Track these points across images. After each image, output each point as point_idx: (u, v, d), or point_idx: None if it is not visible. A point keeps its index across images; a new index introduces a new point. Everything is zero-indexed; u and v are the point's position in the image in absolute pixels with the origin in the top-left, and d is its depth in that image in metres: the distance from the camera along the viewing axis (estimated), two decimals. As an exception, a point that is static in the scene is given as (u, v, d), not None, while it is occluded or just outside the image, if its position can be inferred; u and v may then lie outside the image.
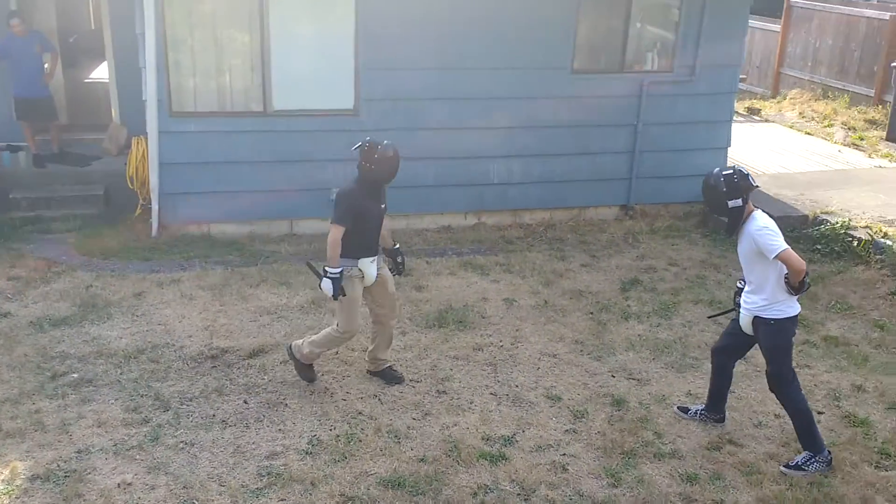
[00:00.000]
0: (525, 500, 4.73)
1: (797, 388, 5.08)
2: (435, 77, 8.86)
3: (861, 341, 6.79)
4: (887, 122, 12.68)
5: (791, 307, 4.92)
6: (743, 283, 5.16)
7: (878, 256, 8.01)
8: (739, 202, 4.84)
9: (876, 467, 5.14)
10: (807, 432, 5.07)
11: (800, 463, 5.05)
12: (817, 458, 5.03)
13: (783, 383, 5.05)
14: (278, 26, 8.36)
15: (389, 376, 5.96)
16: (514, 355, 6.43)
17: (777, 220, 8.97)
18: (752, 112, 14.32)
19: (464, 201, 9.45)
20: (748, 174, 4.92)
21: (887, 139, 12.44)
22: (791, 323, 4.95)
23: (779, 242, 4.75)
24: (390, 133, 8.86)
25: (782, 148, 11.81)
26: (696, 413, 5.58)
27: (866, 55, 14.15)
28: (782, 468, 5.06)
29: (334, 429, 5.35)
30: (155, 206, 8.61)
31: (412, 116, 8.93)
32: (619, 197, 9.84)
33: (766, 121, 13.84)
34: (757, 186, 4.97)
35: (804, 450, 5.09)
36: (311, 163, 8.81)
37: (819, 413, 5.71)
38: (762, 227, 4.81)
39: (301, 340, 5.85)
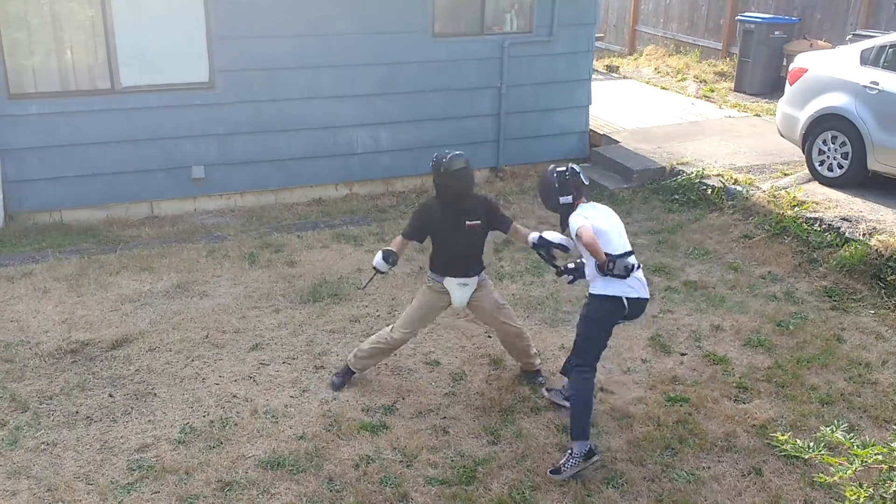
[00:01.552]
0: (408, 466, 4.75)
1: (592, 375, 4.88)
2: (293, 45, 8.62)
3: (718, 283, 7.18)
4: (735, 73, 13.37)
5: (608, 285, 4.76)
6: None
7: (730, 202, 8.47)
8: (570, 199, 4.97)
9: (735, 401, 5.46)
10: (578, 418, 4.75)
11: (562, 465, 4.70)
12: (576, 454, 4.67)
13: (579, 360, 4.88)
14: (121, -2, 7.90)
15: (531, 376, 5.62)
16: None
17: (637, 172, 9.32)
18: (611, 70, 14.76)
19: (333, 172, 9.31)
20: (580, 172, 5.04)
21: (735, 90, 13.13)
22: (606, 301, 4.78)
23: (576, 221, 4.78)
24: (251, 105, 8.69)
25: (640, 103, 12.25)
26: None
27: (713, 10, 14.83)
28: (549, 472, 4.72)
29: (208, 415, 5.18)
30: (-1, 196, 8.04)
31: (272, 87, 8.67)
32: (488, 160, 9.96)
33: (624, 77, 14.31)
34: (586, 184, 5.05)
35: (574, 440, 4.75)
36: (167, 140, 8.43)
37: (682, 354, 6.02)
38: (577, 212, 4.90)
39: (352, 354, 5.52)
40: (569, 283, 5.23)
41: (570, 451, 4.70)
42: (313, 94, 8.84)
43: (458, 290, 5.29)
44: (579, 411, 4.72)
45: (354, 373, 5.53)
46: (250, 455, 4.81)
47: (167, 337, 6.11)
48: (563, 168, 5.06)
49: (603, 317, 4.84)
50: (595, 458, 4.68)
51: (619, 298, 4.77)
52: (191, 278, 7.09)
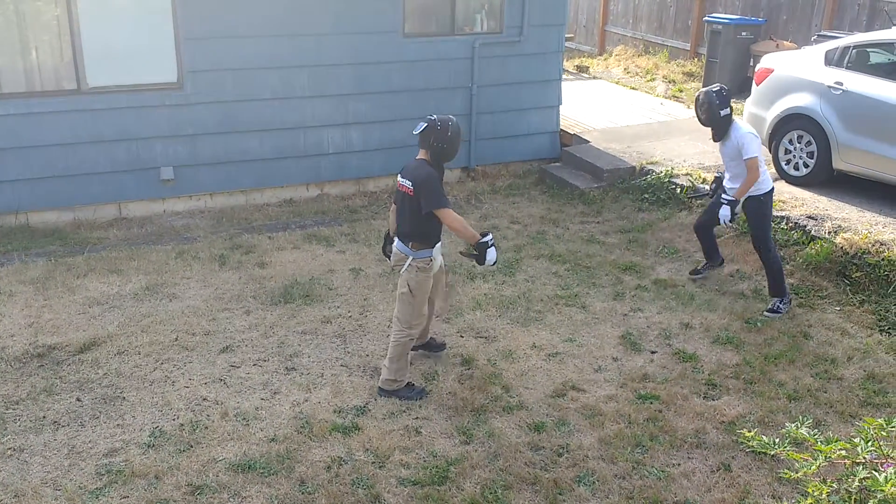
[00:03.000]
0: (380, 467, 4.74)
1: (775, 249, 6.68)
2: (264, 45, 8.56)
3: (687, 282, 7.25)
4: (703, 73, 13.51)
5: (766, 183, 6.48)
6: (721, 174, 6.87)
7: (698, 201, 8.55)
8: (728, 111, 6.39)
9: (704, 398, 5.53)
10: (777, 281, 6.58)
11: (777, 305, 6.60)
12: (784, 301, 6.60)
13: (764, 245, 6.57)
14: (86, -3, 7.79)
15: (433, 346, 5.89)
16: (364, 325, 6.40)
17: (607, 172, 9.39)
18: (581, 70, 14.85)
19: (305, 173, 9.26)
20: (729, 90, 6.43)
21: (703, 90, 13.26)
22: (769, 196, 6.52)
23: (755, 149, 6.33)
24: (220, 106, 8.62)
25: (610, 103, 12.34)
26: (703, 269, 7.25)
27: (681, 11, 14.98)
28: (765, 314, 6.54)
29: (178, 418, 5.14)
30: (-37, 198, 7.90)
31: (242, 87, 8.61)
32: (460, 160, 9.95)
33: (594, 78, 14.40)
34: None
35: (773, 297, 6.65)
36: (136, 141, 8.33)
37: (652, 353, 6.08)
38: (747, 133, 6.39)
39: (381, 377, 5.44)
40: (730, 218, 6.65)
41: (777, 301, 6.58)
42: (284, 95, 8.80)
43: (439, 253, 5.43)
44: (777, 277, 6.59)
45: (407, 385, 5.45)
46: (221, 458, 4.77)
47: (136, 340, 6.05)
48: (717, 86, 6.43)
49: (770, 210, 6.62)
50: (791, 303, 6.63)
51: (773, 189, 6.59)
52: (160, 280, 7.02)
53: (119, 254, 7.52)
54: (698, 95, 6.51)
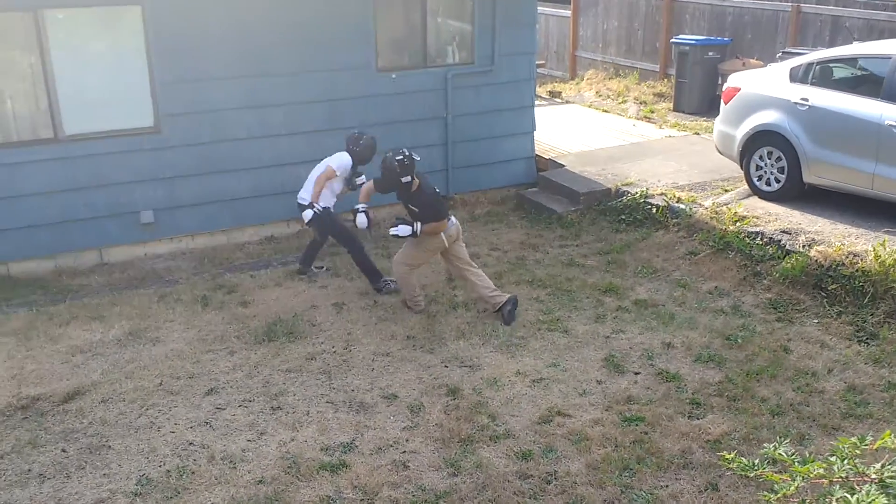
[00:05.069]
0: None
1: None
2: (238, 86, 8.64)
3: (667, 301, 7.34)
4: (673, 94, 13.73)
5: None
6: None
7: (674, 220, 8.67)
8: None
9: (689, 417, 5.58)
10: (371, 271, 7.71)
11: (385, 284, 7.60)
12: (385, 279, 7.69)
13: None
14: (60, 45, 7.83)
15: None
16: (348, 360, 6.42)
17: (584, 195, 9.48)
18: (554, 95, 15.03)
19: (284, 209, 9.27)
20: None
21: (674, 110, 13.49)
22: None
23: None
24: (198, 148, 8.67)
25: (584, 127, 12.50)
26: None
27: (649, 34, 15.24)
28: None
29: (164, 464, 5.12)
30: (-60, 252, 7.86)
31: (219, 128, 8.67)
32: (438, 188, 10.02)
33: (567, 102, 14.59)
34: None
35: (375, 283, 7.69)
36: (115, 186, 8.35)
37: (636, 374, 6.13)
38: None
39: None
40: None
41: (381, 283, 7.70)
42: (260, 134, 8.86)
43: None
44: (368, 267, 7.86)
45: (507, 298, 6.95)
46: (209, 503, 4.75)
47: (120, 387, 6.03)
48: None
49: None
50: None
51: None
52: (143, 325, 7.02)
53: (101, 300, 7.51)
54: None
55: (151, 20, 8.10)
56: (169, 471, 5.05)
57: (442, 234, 6.90)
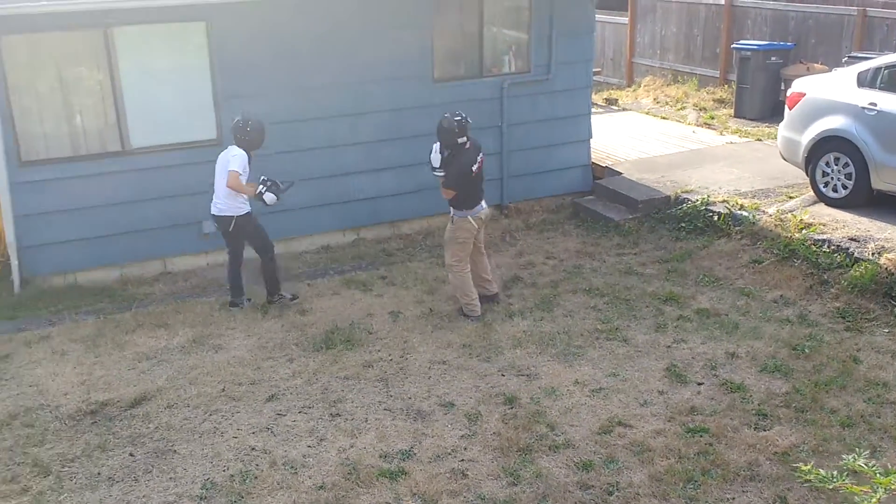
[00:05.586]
0: (429, 511, 4.75)
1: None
2: (298, 98, 8.77)
3: (730, 310, 7.18)
4: (734, 100, 13.48)
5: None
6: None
7: (737, 228, 8.49)
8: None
9: (755, 429, 5.44)
10: (273, 281, 7.75)
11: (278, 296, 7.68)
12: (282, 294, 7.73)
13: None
14: (128, 62, 8.07)
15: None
16: (405, 367, 6.44)
17: (642, 202, 9.39)
18: (611, 102, 14.90)
19: (341, 218, 9.40)
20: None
21: (735, 116, 13.23)
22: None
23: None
24: (259, 159, 8.78)
25: (641, 134, 12.35)
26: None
27: (708, 39, 15.00)
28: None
29: (228, 469, 5.20)
30: (14, 262, 8.12)
31: (280, 139, 8.77)
32: (493, 197, 9.98)
33: (624, 109, 14.44)
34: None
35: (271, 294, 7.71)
36: (179, 197, 8.54)
37: (699, 384, 6.01)
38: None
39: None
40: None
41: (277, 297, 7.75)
42: (322, 144, 8.98)
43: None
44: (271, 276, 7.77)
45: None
46: (272, 508, 4.81)
47: (184, 392, 6.16)
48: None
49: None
50: None
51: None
52: (205, 332, 7.16)
53: (165, 308, 7.69)
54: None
55: (215, 35, 8.29)
56: (232, 475, 5.12)
57: (470, 217, 7.09)
